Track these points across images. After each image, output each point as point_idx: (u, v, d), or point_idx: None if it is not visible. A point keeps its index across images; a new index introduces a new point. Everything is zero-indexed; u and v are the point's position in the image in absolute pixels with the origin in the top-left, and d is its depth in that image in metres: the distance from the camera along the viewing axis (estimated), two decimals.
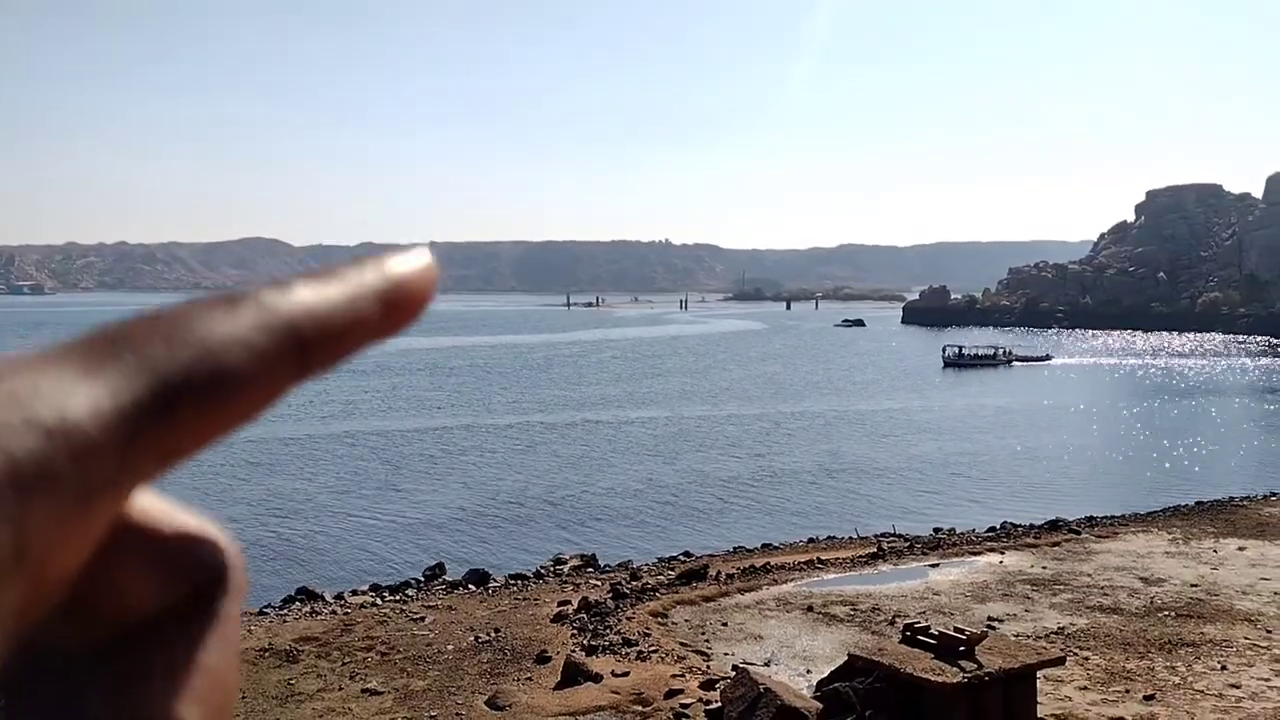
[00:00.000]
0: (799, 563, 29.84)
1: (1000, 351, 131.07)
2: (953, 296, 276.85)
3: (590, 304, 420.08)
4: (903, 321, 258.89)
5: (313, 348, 0.51)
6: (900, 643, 15.43)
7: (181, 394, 0.45)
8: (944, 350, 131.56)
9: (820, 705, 15.19)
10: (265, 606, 27.75)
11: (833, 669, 16.69)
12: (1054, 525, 34.99)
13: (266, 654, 22.24)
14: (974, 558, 29.84)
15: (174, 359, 0.46)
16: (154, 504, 0.50)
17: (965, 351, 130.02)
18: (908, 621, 16.41)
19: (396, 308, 0.53)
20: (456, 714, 18.13)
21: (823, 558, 30.46)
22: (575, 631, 23.14)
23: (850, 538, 35.27)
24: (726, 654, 21.07)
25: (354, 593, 29.11)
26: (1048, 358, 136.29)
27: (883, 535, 34.91)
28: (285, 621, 25.43)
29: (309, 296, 0.51)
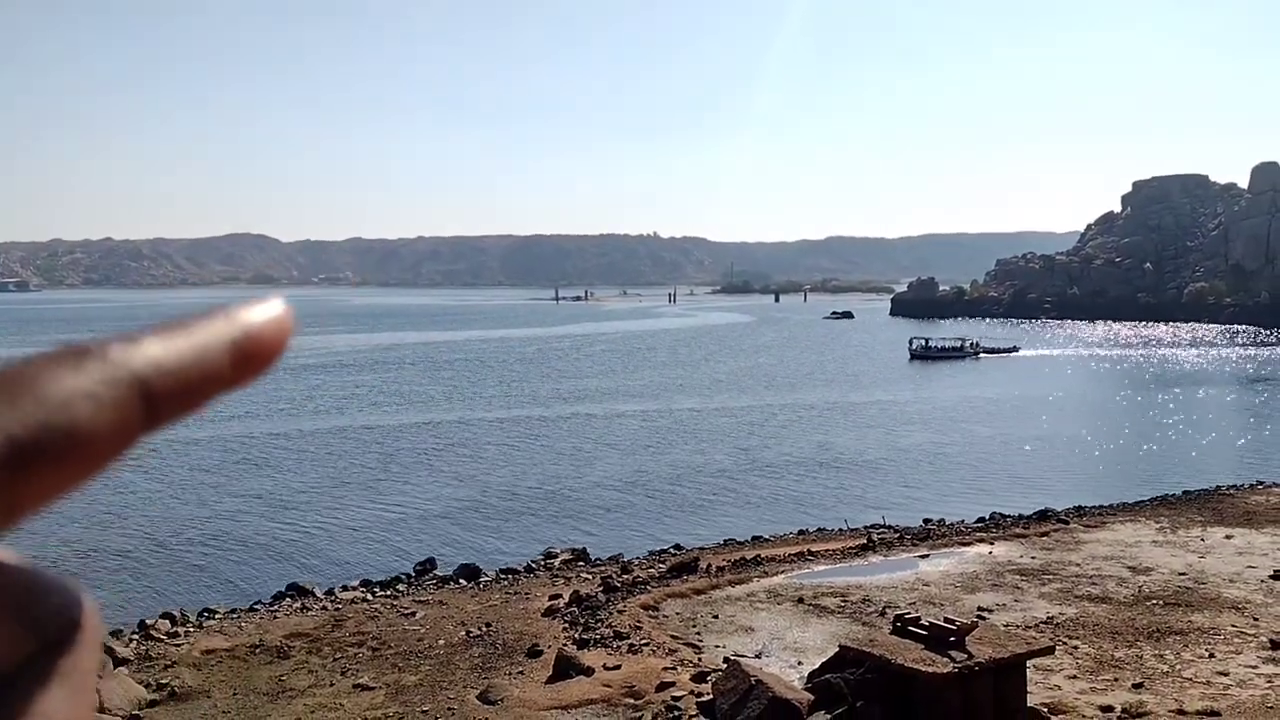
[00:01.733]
0: (789, 555, 29.90)
1: (967, 344, 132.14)
2: (941, 288, 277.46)
3: (579, 298, 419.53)
4: (891, 313, 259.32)
5: (161, 401, 0.52)
6: (891, 634, 15.49)
7: (29, 451, 0.45)
8: (910, 342, 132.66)
9: (812, 697, 15.24)
10: (256, 603, 27.72)
11: (824, 660, 16.73)
12: (1043, 515, 35.14)
13: (257, 650, 22.20)
14: (964, 548, 29.96)
15: (21, 416, 0.46)
16: (2, 558, 0.49)
17: (932, 343, 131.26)
18: (898, 612, 16.47)
19: (248, 359, 0.54)
20: (448, 708, 18.13)
21: (813, 549, 30.54)
22: (567, 625, 23.17)
23: (840, 529, 35.36)
24: (718, 646, 21.12)
25: (345, 588, 29.07)
26: (1014, 349, 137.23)
27: (873, 527, 35.00)
28: (276, 618, 25.39)
29: (157, 350, 0.51)
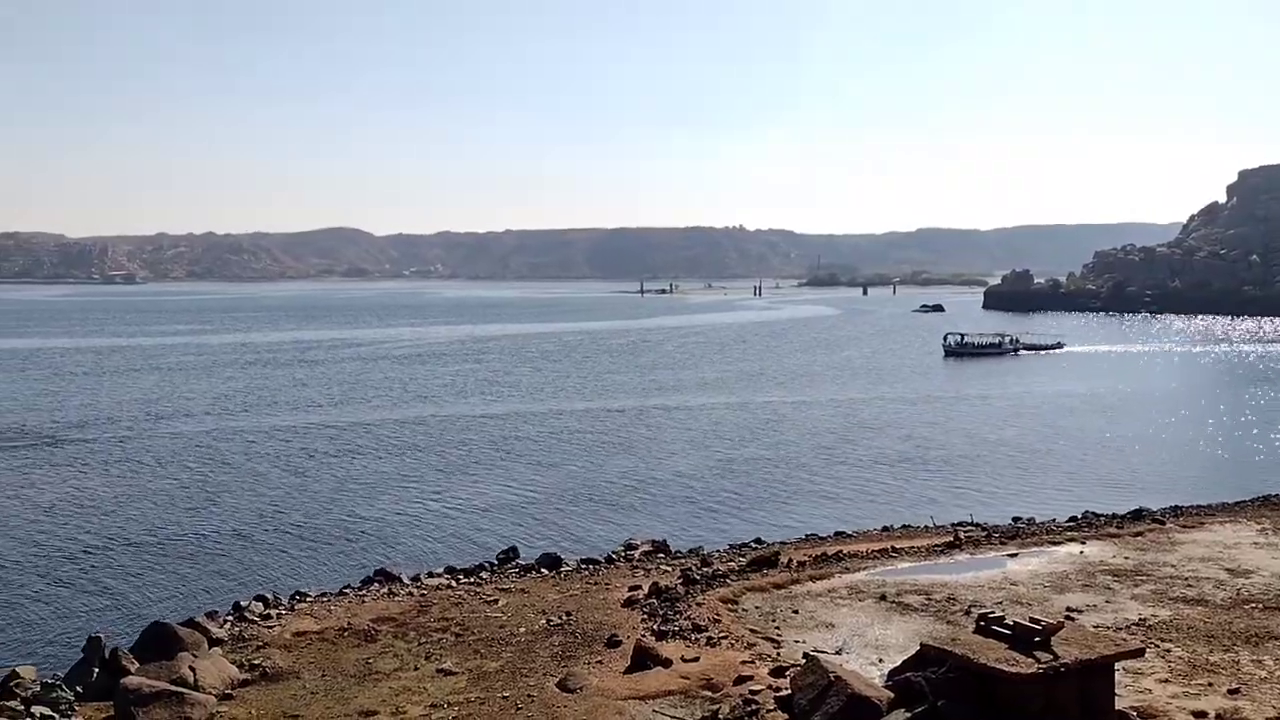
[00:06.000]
0: (873, 551, 29.53)
1: (1006, 340, 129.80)
2: (1036, 281, 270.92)
3: (663, 291, 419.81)
4: (984, 307, 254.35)
5: None
6: (974, 633, 15.19)
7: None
8: (945, 339, 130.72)
9: (891, 695, 15.03)
10: (345, 587, 28.42)
11: (905, 659, 16.50)
12: (1137, 515, 34.11)
13: (346, 634, 22.76)
14: (1054, 547, 29.23)
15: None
16: None
17: (967, 340, 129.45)
18: (982, 611, 16.14)
19: None
20: (528, 695, 18.36)
21: (897, 546, 30.11)
22: (645, 616, 23.24)
23: (926, 526, 34.83)
24: (797, 642, 20.98)
25: (430, 575, 29.60)
26: (1059, 346, 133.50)
27: (960, 524, 34.39)
28: (364, 602, 25.99)
29: None
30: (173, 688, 17.52)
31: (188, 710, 17.00)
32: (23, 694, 18.67)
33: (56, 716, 17.91)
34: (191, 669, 18.91)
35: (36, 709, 18.04)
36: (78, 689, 19.29)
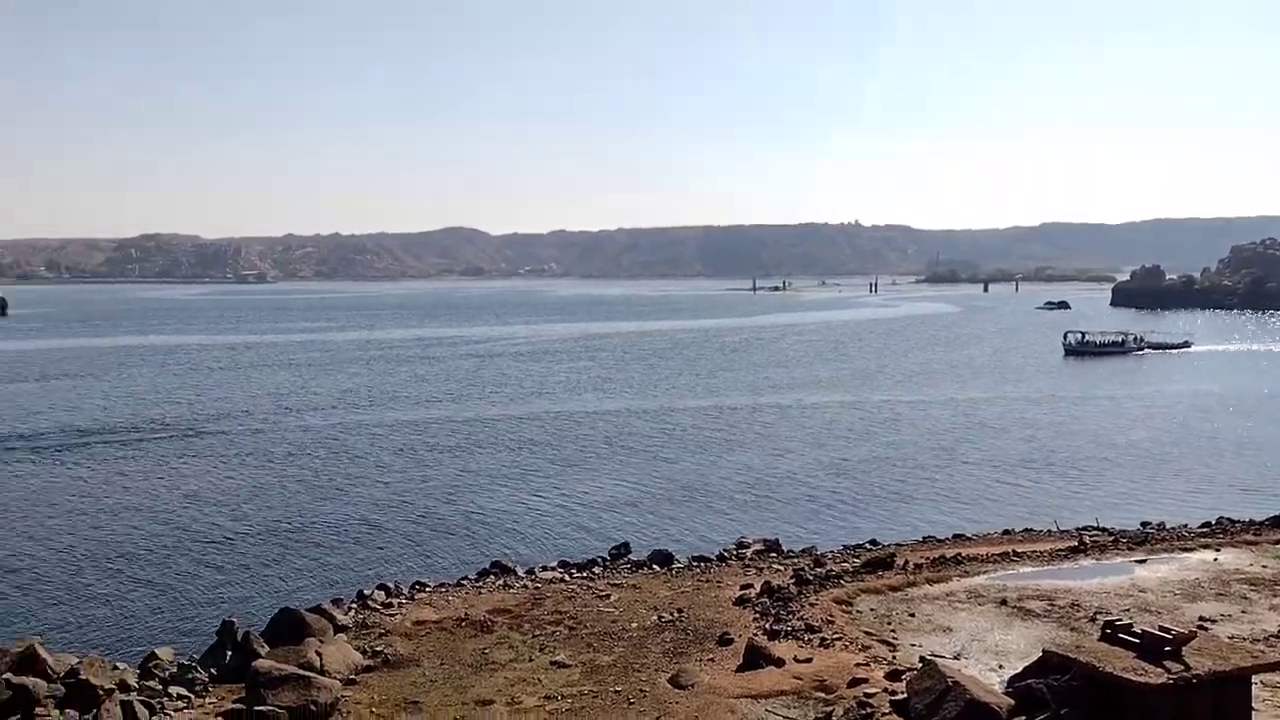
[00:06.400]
0: (993, 554, 28.80)
1: (1130, 339, 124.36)
2: (1168, 277, 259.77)
3: (776, 288, 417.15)
4: (1112, 304, 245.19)
5: None
6: (1100, 640, 14.69)
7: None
8: (1065, 337, 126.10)
9: (1012, 702, 14.64)
10: (462, 578, 29.08)
11: (1026, 665, 16.06)
12: (1277, 522, 32.42)
13: (463, 624, 23.30)
14: (1185, 554, 28.01)
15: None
16: None
17: (1089, 339, 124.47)
18: (1109, 619, 15.58)
19: None
20: (640, 690, 18.48)
21: (1019, 550, 29.29)
22: (758, 615, 23.15)
23: (1049, 530, 33.79)
24: (913, 645, 20.61)
25: (543, 568, 30.06)
26: (1186, 345, 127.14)
27: (1084, 528, 33.25)
28: (480, 593, 26.56)
29: None
30: (300, 672, 18.20)
31: (314, 694, 17.64)
32: (161, 674, 19.68)
33: (192, 696, 18.81)
34: (318, 654, 19.62)
35: (174, 689, 18.99)
36: (211, 670, 20.23)
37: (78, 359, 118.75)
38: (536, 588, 27.08)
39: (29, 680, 16.40)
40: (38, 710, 16.07)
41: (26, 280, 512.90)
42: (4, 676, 16.26)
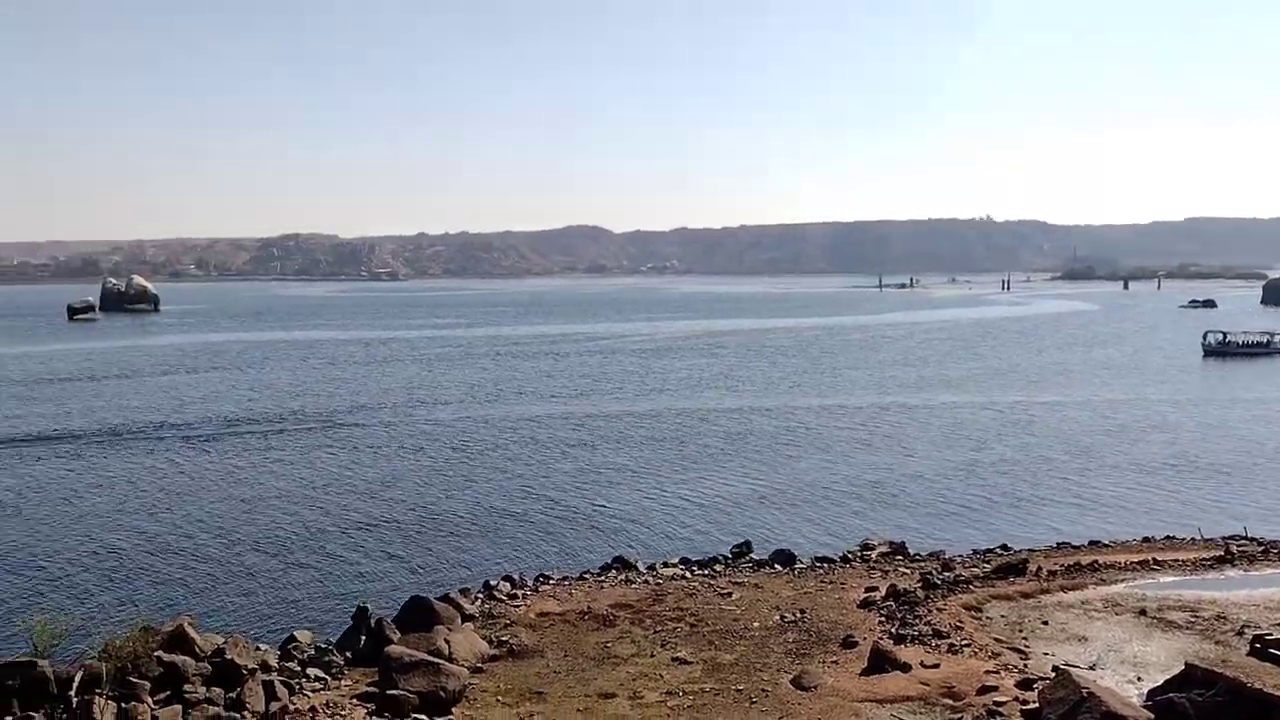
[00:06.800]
0: (1131, 562, 27.72)
1: (1277, 338, 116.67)
2: None
3: (904, 285, 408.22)
4: (1262, 302, 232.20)
5: None
6: (1248, 654, 14.01)
7: None
8: (1204, 337, 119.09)
9: (1151, 716, 14.08)
10: (585, 572, 29.48)
11: (1167, 678, 15.42)
12: None
13: (585, 617, 23.63)
14: None
15: None
16: None
17: (1230, 339, 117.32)
18: (1258, 633, 14.82)
19: None
20: (762, 690, 18.42)
21: (1159, 559, 28.12)
22: (883, 618, 22.81)
23: (1192, 539, 32.31)
24: (1046, 654, 20.00)
25: (665, 564, 30.22)
26: None
27: (1232, 538, 31.67)
28: (603, 588, 26.89)
29: None
30: (430, 658, 18.78)
31: (443, 680, 18.16)
32: (299, 656, 20.57)
33: (328, 679, 19.60)
34: (447, 641, 20.20)
35: (311, 670, 19.83)
36: (347, 654, 21.04)
37: (224, 353, 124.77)
38: (658, 584, 27.26)
39: (179, 658, 17.36)
40: (186, 687, 16.99)
41: (177, 278, 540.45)
42: (156, 654, 17.24)
